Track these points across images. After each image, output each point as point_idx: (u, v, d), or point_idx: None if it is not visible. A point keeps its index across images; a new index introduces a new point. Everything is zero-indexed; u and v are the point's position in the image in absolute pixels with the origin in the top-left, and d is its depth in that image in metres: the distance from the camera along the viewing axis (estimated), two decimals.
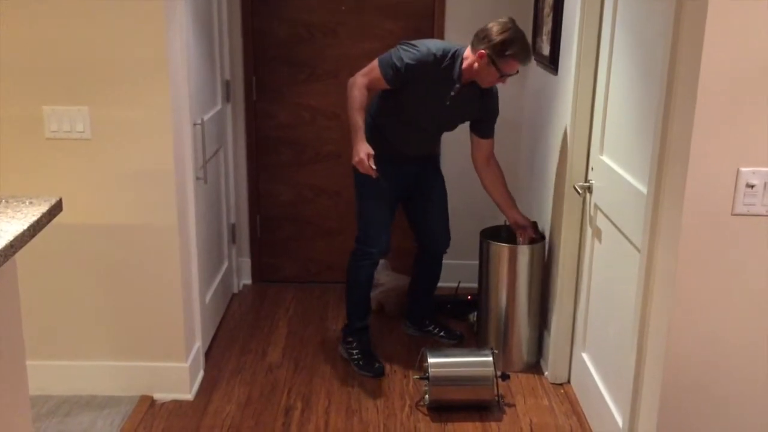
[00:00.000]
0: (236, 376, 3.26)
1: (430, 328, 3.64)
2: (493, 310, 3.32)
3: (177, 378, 3.02)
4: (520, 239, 3.27)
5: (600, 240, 2.80)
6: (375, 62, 3.06)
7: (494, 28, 2.93)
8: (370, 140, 3.05)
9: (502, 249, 3.23)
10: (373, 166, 2.98)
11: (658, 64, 2.10)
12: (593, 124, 2.86)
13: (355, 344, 3.36)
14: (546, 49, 3.31)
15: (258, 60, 3.94)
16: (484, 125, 3.24)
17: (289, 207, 4.17)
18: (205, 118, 3.31)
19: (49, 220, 1.93)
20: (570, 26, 2.98)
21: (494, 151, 3.32)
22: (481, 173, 3.32)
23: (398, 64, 2.99)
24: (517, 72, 3.03)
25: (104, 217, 2.86)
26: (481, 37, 2.95)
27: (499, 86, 3.14)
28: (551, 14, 3.23)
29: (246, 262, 4.22)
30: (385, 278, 3.87)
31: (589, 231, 2.92)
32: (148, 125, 2.79)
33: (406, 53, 3.00)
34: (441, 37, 3.85)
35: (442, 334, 3.61)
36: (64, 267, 2.90)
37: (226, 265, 3.91)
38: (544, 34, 3.38)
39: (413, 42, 3.05)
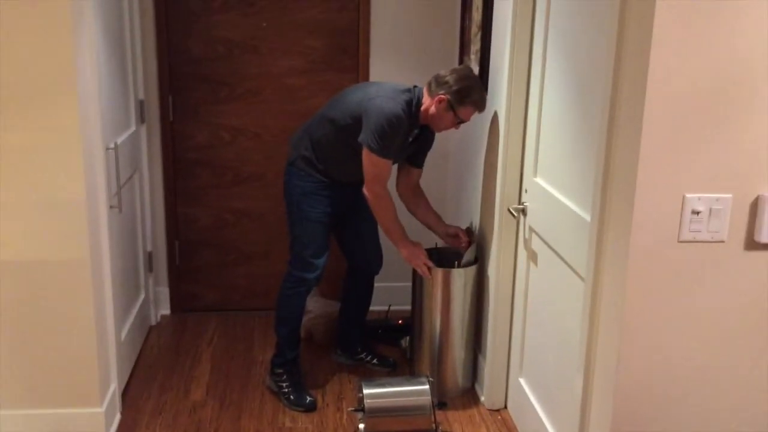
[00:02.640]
0: (157, 417, 3.04)
1: (362, 355, 3.52)
2: (427, 334, 3.22)
3: (92, 424, 2.78)
4: (462, 247, 3.21)
5: (536, 263, 2.75)
6: (371, 157, 2.89)
7: (454, 74, 2.91)
8: (307, 168, 3.03)
9: (435, 272, 3.14)
10: (430, 264, 3.11)
11: (596, 86, 2.07)
12: (526, 145, 2.82)
13: (285, 376, 3.19)
14: (475, 69, 3.26)
15: (174, 78, 3.74)
16: (420, 155, 3.22)
17: (209, 232, 3.97)
18: (119, 141, 3.09)
19: None
20: (499, 45, 2.93)
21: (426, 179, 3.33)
22: (411, 200, 3.29)
23: (389, 140, 2.88)
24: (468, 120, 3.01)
25: (7, 251, 2.61)
26: (440, 82, 2.91)
27: None
28: (479, 33, 3.18)
29: (164, 292, 3.98)
30: (314, 304, 3.72)
31: (523, 254, 2.87)
32: (55, 150, 2.56)
33: (388, 126, 2.86)
34: (366, 55, 3.76)
35: (374, 361, 3.50)
36: None
37: (143, 296, 3.68)
38: (472, 54, 3.34)
39: (386, 112, 2.86)
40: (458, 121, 2.98)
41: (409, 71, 3.60)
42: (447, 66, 3.71)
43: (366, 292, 3.46)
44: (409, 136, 3.03)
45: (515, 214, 2.83)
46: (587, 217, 2.14)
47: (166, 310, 4.01)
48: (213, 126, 3.83)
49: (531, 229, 2.77)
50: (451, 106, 2.91)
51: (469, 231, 3.32)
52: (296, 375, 3.22)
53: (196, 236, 3.96)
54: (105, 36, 2.95)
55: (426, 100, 2.96)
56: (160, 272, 3.95)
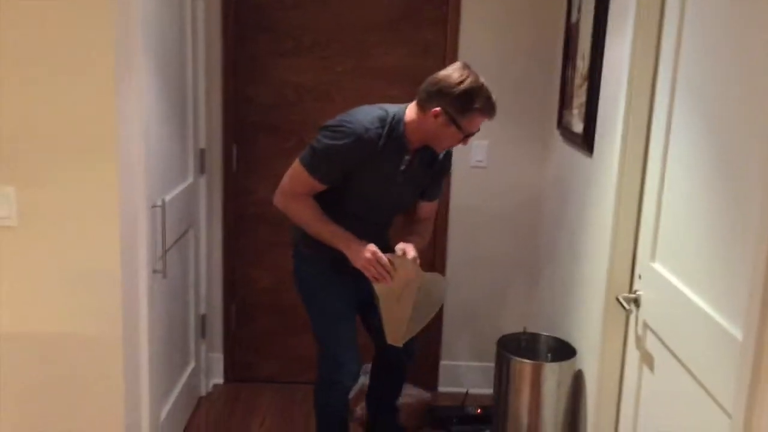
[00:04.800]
0: None
1: None
2: None
3: None
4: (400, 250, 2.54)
5: (651, 368, 2.22)
6: (296, 165, 2.45)
7: (451, 77, 2.35)
8: (314, 247, 2.53)
9: (523, 366, 2.65)
10: (384, 260, 2.42)
11: (749, 156, 1.57)
12: (642, 221, 2.31)
13: None
14: (577, 126, 2.79)
15: (239, 127, 3.42)
16: (433, 188, 2.67)
17: (269, 294, 3.60)
18: (169, 197, 2.76)
19: None
20: (611, 98, 2.46)
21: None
22: (410, 219, 2.69)
23: (326, 154, 2.40)
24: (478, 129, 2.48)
25: (28, 323, 2.28)
26: (433, 91, 2.37)
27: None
28: (585, 84, 2.72)
29: (218, 359, 3.62)
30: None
31: (634, 354, 2.34)
32: (89, 210, 2.24)
33: (332, 139, 2.39)
34: None
35: None
36: None
37: (192, 365, 3.31)
38: (575, 108, 2.87)
39: (336, 121, 2.44)
40: (464, 135, 2.43)
41: (501, 129, 3.16)
42: (546, 125, 3.30)
43: (396, 380, 2.95)
44: (401, 165, 2.47)
45: (626, 305, 2.32)
46: (737, 335, 1.62)
47: (219, 378, 3.64)
48: (278, 179, 3.46)
49: (646, 325, 2.25)
50: (451, 119, 2.37)
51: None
52: None
53: (255, 299, 3.60)
54: (160, 80, 2.65)
55: (415, 117, 2.42)
56: (214, 338, 3.59)
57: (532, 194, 3.41)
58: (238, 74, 3.37)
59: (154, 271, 2.58)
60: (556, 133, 3.20)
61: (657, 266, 2.18)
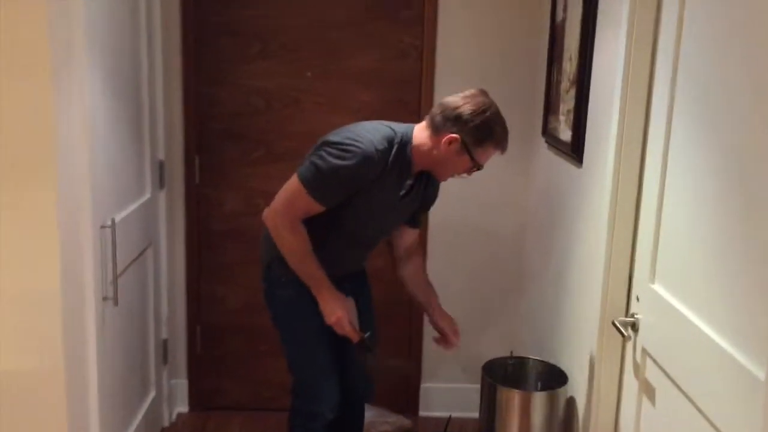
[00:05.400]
0: None
1: None
2: None
3: None
4: (446, 347, 2.52)
5: (652, 400, 2.01)
6: (295, 183, 2.21)
7: (469, 105, 2.20)
8: (287, 269, 2.30)
9: (511, 395, 2.43)
10: (356, 327, 2.29)
11: (757, 166, 1.37)
12: (638, 239, 2.11)
13: None
14: (565, 133, 2.59)
15: (202, 136, 3.18)
16: (419, 214, 2.51)
17: (237, 315, 3.35)
18: (122, 215, 2.52)
19: None
20: (602, 103, 2.26)
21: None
22: (403, 263, 2.53)
23: (332, 176, 2.17)
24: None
25: None
26: (450, 117, 2.20)
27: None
28: (572, 88, 2.51)
29: (182, 385, 3.37)
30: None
31: (632, 384, 2.13)
32: (24, 231, 1.99)
33: (339, 158, 2.16)
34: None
35: None
36: None
37: (153, 394, 3.06)
38: (561, 114, 2.67)
39: (342, 138, 2.20)
40: (473, 167, 2.28)
41: None
42: (529, 132, 3.10)
43: (357, 420, 2.70)
44: (401, 189, 2.30)
45: (623, 330, 2.11)
46: (757, 373, 1.41)
47: (183, 407, 3.39)
48: (245, 191, 3.24)
49: (645, 352, 2.04)
50: (466, 148, 2.21)
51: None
52: None
53: (222, 320, 3.35)
54: (110, 83, 2.41)
55: (425, 140, 2.24)
56: (178, 363, 3.34)
57: (516, 207, 3.21)
58: (201, 79, 3.13)
59: (104, 299, 2.33)
60: (541, 140, 3.00)
61: (657, 288, 1.97)
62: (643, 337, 2.05)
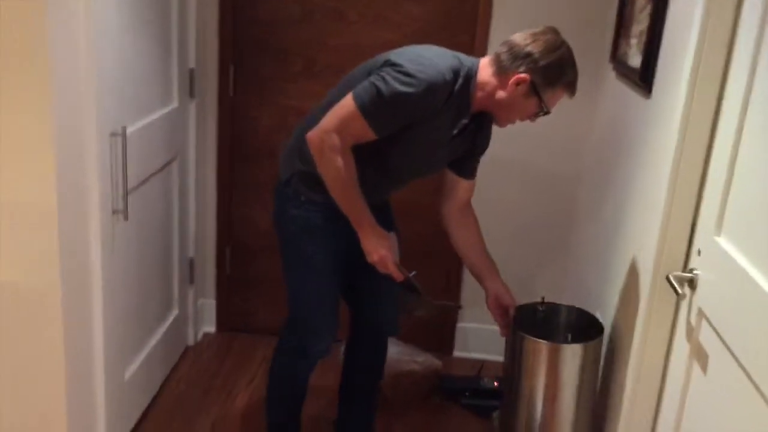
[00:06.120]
0: None
1: None
2: (522, 423, 2.30)
3: None
4: (501, 327, 2.32)
5: (704, 368, 1.76)
6: (350, 104, 1.94)
7: (540, 42, 1.96)
8: (309, 188, 2.10)
9: (539, 346, 2.21)
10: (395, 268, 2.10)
11: None
12: (706, 184, 1.82)
13: None
14: (634, 59, 2.26)
15: (237, 45, 2.96)
16: (471, 161, 2.24)
17: (270, 237, 3.17)
18: (141, 124, 2.35)
19: None
20: (680, 24, 1.93)
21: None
22: (456, 225, 2.29)
23: (394, 103, 1.92)
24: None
25: None
26: (519, 55, 1.96)
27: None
28: (648, 7, 2.17)
29: (210, 305, 3.27)
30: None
31: (683, 347, 1.88)
32: (16, 136, 1.84)
33: (405, 84, 1.91)
34: (485, 33, 2.83)
35: None
36: None
37: (175, 313, 2.96)
38: (633, 36, 2.33)
39: (410, 61, 1.94)
40: (541, 111, 2.03)
41: None
42: (597, 52, 2.77)
43: (377, 360, 2.52)
44: (454, 128, 2.06)
45: (678, 287, 1.84)
46: None
47: (210, 327, 3.30)
48: (280, 108, 3.03)
49: (701, 313, 1.78)
50: (535, 90, 1.97)
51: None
52: None
53: (254, 242, 3.21)
54: None
55: (489, 79, 2.00)
56: (206, 283, 3.23)
57: (574, 140, 2.91)
58: None
59: (114, 212, 2.19)
60: (609, 67, 2.67)
61: (722, 241, 1.70)
62: (701, 297, 1.78)
